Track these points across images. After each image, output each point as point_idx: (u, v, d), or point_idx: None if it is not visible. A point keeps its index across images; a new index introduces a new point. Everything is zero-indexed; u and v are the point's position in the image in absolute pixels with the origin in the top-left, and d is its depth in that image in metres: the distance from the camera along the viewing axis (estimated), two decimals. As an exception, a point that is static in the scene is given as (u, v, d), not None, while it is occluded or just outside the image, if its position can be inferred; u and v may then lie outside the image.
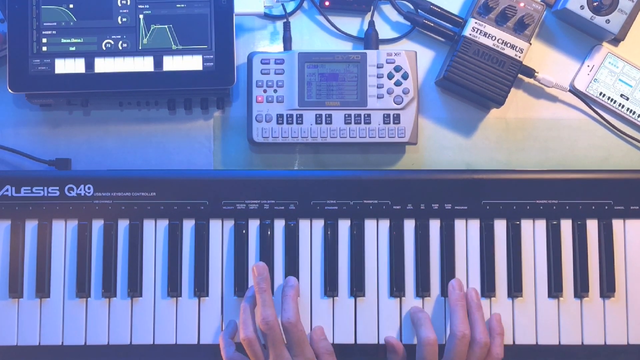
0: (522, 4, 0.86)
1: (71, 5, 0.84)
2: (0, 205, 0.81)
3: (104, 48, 0.84)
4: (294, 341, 0.75)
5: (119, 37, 0.84)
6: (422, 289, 0.81)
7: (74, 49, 0.84)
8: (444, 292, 0.81)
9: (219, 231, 0.81)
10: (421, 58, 0.90)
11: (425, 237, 0.82)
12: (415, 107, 0.86)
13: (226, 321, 0.80)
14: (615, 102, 0.91)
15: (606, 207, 0.82)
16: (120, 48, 0.84)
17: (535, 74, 0.89)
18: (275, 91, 0.86)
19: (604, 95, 0.91)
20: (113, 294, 0.80)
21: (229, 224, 0.82)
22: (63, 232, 0.81)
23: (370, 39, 0.89)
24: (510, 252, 0.82)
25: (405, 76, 0.86)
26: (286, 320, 0.76)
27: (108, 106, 0.90)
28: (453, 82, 0.87)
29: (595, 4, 0.87)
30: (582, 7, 0.87)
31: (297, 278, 0.81)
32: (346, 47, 0.92)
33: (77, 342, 0.80)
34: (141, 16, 0.84)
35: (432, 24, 0.90)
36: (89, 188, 0.81)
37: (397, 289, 0.81)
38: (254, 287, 0.79)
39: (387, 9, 0.92)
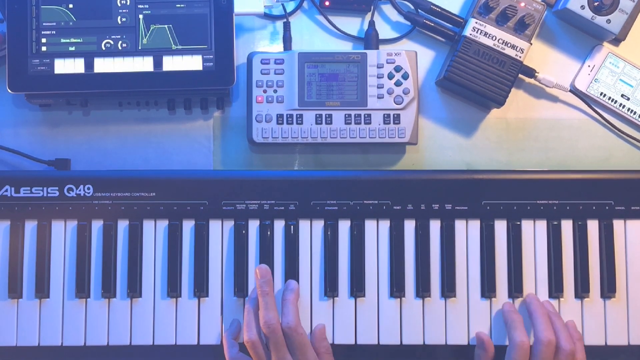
0: (522, 4, 0.86)
1: (71, 5, 0.84)
2: (0, 205, 0.80)
3: (104, 48, 0.84)
4: (295, 345, 0.75)
5: (119, 37, 0.84)
6: (423, 290, 0.81)
7: (73, 49, 0.84)
8: (444, 292, 0.81)
9: (219, 231, 0.81)
10: (421, 58, 0.90)
11: (426, 238, 0.81)
12: (415, 107, 0.86)
13: (226, 321, 0.80)
14: (616, 102, 0.91)
15: (607, 208, 0.82)
16: (120, 48, 0.84)
17: (536, 74, 0.89)
18: (275, 91, 0.86)
19: (605, 95, 0.91)
20: (113, 295, 0.80)
21: (229, 224, 0.82)
22: (62, 232, 0.81)
23: (370, 39, 0.89)
24: (510, 252, 0.82)
25: (405, 76, 0.86)
26: (286, 325, 0.76)
27: (108, 106, 0.90)
28: (453, 82, 0.86)
29: (595, 4, 0.87)
30: (582, 7, 0.87)
31: (297, 279, 0.81)
32: (346, 47, 0.92)
33: (77, 343, 0.80)
34: (141, 16, 0.84)
35: (432, 24, 0.89)
36: (88, 188, 0.81)
37: (397, 289, 0.80)
38: (257, 290, 0.78)
39: (388, 8, 0.92)
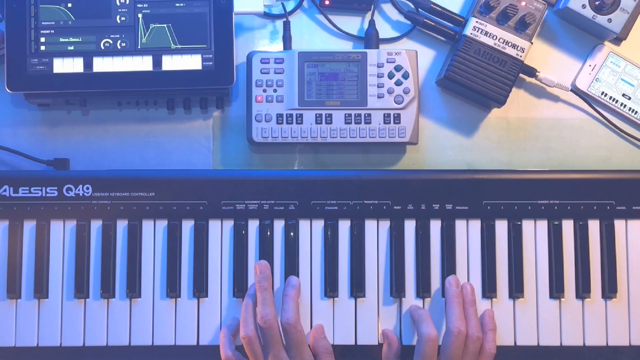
0: (523, 3, 0.86)
1: (69, 5, 0.84)
2: (-2, 205, 0.80)
3: (103, 47, 0.84)
4: (292, 342, 0.75)
5: (118, 36, 0.84)
6: (423, 290, 0.80)
7: (72, 48, 0.83)
8: (444, 293, 0.80)
9: (218, 232, 0.81)
10: (422, 57, 0.90)
11: (426, 238, 0.81)
12: (415, 107, 0.86)
13: (225, 322, 0.80)
14: (617, 101, 0.91)
15: (608, 208, 0.81)
16: (119, 47, 0.84)
17: (537, 73, 0.89)
18: (275, 91, 0.85)
19: (606, 94, 0.91)
20: (112, 295, 0.80)
21: (229, 224, 0.81)
22: (61, 232, 0.81)
23: (370, 38, 0.88)
24: (511, 252, 0.81)
25: (405, 75, 0.86)
26: (285, 320, 0.76)
27: (107, 106, 0.89)
28: (454, 81, 0.86)
29: (597, 3, 0.86)
30: (583, 6, 0.87)
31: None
32: (346, 46, 0.91)
33: (76, 343, 0.79)
34: (140, 15, 0.84)
35: (432, 23, 0.89)
36: (87, 188, 0.80)
37: (397, 289, 0.80)
38: (255, 285, 0.78)
39: (388, 8, 0.91)
